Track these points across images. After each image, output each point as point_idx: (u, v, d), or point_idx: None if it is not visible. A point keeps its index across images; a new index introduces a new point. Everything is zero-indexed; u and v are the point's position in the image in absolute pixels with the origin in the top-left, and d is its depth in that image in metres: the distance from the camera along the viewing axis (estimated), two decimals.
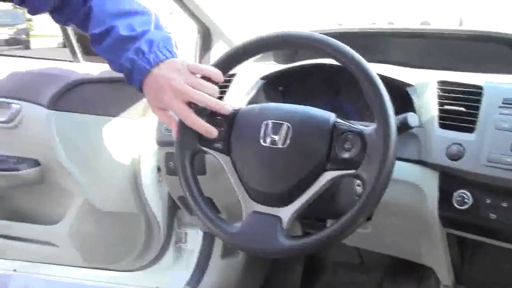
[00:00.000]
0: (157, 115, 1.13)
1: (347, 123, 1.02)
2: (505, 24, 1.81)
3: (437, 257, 1.33)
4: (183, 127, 1.09)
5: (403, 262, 1.55)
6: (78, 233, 1.96)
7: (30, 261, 2.12)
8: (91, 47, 1.11)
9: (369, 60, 1.02)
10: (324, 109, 1.06)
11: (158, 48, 1.07)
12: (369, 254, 1.74)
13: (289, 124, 1.03)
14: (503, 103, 1.16)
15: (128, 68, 1.06)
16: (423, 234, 1.27)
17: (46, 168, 1.87)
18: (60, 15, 1.11)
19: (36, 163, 1.87)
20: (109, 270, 2.08)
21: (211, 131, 1.06)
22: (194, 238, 1.98)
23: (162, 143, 1.53)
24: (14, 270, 2.19)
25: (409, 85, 1.29)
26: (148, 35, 1.07)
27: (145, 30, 1.07)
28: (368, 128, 0.99)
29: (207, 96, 1.05)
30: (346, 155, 0.99)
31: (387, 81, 1.19)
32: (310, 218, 1.36)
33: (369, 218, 1.30)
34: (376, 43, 1.84)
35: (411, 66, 1.42)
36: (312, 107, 1.08)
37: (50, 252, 2.05)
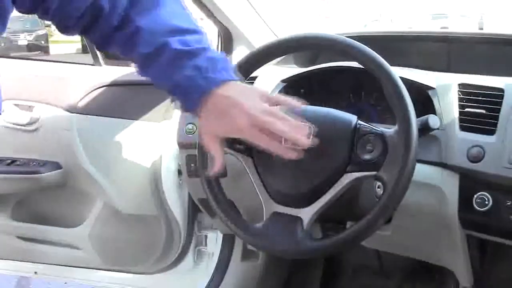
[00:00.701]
0: (206, 143, 1.01)
1: (368, 125, 1.03)
2: None
3: (456, 259, 1.33)
4: None
5: (423, 264, 1.55)
6: (99, 235, 1.99)
7: (51, 264, 2.14)
8: (138, 69, 0.99)
9: (391, 64, 1.03)
10: (346, 112, 1.08)
11: (220, 67, 0.95)
12: (388, 257, 1.75)
13: (312, 126, 1.04)
14: None
15: (184, 86, 0.94)
16: (443, 236, 1.28)
17: (67, 171, 1.89)
18: (96, 35, 0.99)
19: (57, 166, 1.89)
20: (130, 273, 2.10)
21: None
22: (214, 241, 1.99)
23: (183, 145, 1.55)
24: (35, 273, 2.22)
25: (431, 87, 1.30)
26: (208, 52, 0.95)
27: (202, 47, 0.95)
28: (389, 130, 1.00)
29: (291, 131, 0.95)
30: (367, 156, 1.00)
31: (408, 84, 1.21)
32: (330, 220, 1.37)
33: (389, 221, 1.31)
34: (397, 46, 1.85)
35: (432, 70, 1.43)
36: (334, 109, 1.09)
37: (71, 255, 2.08)
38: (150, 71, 0.97)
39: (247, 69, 1.12)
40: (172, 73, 0.94)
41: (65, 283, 2.76)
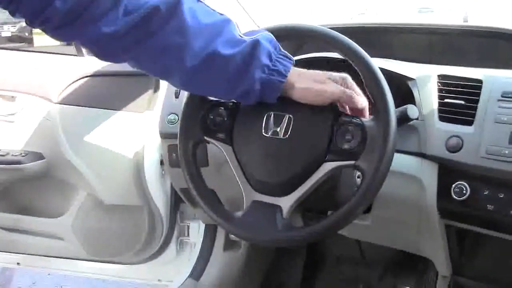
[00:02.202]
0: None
1: (348, 115, 1.04)
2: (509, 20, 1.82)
3: (435, 248, 1.35)
4: (186, 117, 1.11)
5: (404, 254, 1.57)
6: (82, 226, 1.99)
7: (34, 254, 2.14)
8: (186, 85, 1.02)
9: (374, 55, 1.03)
10: None
11: (277, 55, 1.00)
12: (370, 247, 1.76)
13: (290, 115, 1.05)
14: (502, 96, 1.17)
15: (257, 90, 0.99)
16: (422, 226, 1.29)
17: (50, 161, 1.89)
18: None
19: (40, 156, 1.89)
20: (112, 263, 2.10)
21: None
22: (196, 232, 1.99)
23: (165, 135, 1.55)
24: (18, 263, 2.22)
25: (410, 78, 1.31)
26: (256, 44, 0.97)
27: (246, 40, 0.97)
28: (368, 120, 1.01)
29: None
30: (346, 146, 1.00)
31: (389, 74, 1.22)
32: (312, 210, 1.38)
33: (368, 211, 1.32)
34: (380, 38, 1.86)
35: (414, 61, 1.44)
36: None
37: (54, 245, 2.08)
38: (204, 81, 1.00)
39: None
40: (237, 79, 0.97)
41: (49, 274, 2.76)
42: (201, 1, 0.98)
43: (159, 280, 2.09)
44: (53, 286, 2.78)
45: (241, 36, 0.98)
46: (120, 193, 1.88)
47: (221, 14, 1.00)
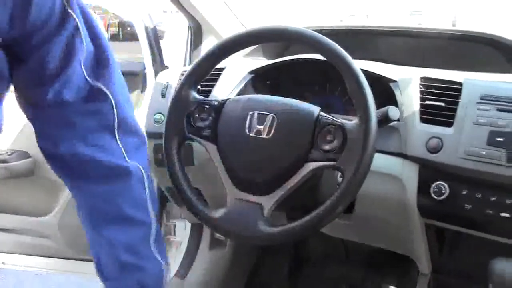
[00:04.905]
0: None
1: (330, 116, 1.06)
2: (496, 25, 1.85)
3: (416, 246, 1.37)
4: (172, 115, 1.13)
5: (387, 253, 1.60)
6: (68, 225, 1.99)
7: (20, 254, 2.14)
8: None
9: (359, 57, 1.05)
10: (312, 104, 1.11)
11: None
12: (354, 247, 1.79)
13: (274, 115, 1.07)
14: (481, 99, 1.20)
15: None
16: (403, 225, 1.31)
17: (36, 160, 1.89)
18: None
19: (27, 155, 1.90)
20: None
21: None
22: (182, 231, 2.01)
23: (151, 135, 1.56)
24: (3, 263, 2.21)
25: (393, 80, 1.33)
26: None
27: None
28: (349, 121, 1.03)
29: None
30: (327, 147, 1.02)
31: (371, 76, 1.25)
32: (295, 209, 1.40)
33: (351, 210, 1.34)
34: (367, 41, 1.88)
35: (399, 64, 1.46)
36: (296, 100, 1.12)
37: (40, 244, 2.08)
38: None
39: (215, 58, 1.15)
40: None
41: (36, 274, 2.76)
42: None
43: None
44: (39, 285, 2.78)
45: None
46: None
47: None
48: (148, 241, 1.02)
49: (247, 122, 1.08)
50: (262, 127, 1.07)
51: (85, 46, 0.90)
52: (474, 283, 1.17)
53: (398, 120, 1.24)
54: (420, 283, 1.46)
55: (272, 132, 1.06)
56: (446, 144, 1.19)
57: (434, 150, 1.19)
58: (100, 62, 0.93)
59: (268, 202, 1.05)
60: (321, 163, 1.02)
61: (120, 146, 0.97)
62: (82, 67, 0.90)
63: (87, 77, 0.91)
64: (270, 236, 1.03)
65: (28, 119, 0.96)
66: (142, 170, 1.01)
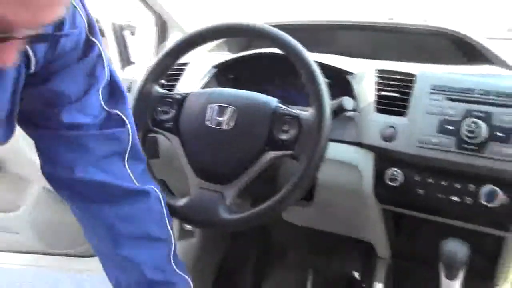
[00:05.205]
0: None
1: (286, 107, 1.11)
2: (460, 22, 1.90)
3: (375, 232, 1.42)
4: (135, 109, 1.17)
5: (350, 240, 1.65)
6: (38, 219, 2.00)
7: None
8: None
9: (320, 51, 1.09)
10: (272, 97, 1.15)
11: None
12: (318, 234, 1.84)
13: (233, 107, 1.12)
14: (433, 90, 1.25)
15: None
16: (361, 211, 1.37)
17: (4, 155, 1.90)
18: None
19: None
20: (69, 255, 2.11)
21: None
22: None
23: None
24: None
25: (350, 73, 1.38)
26: None
27: None
28: (304, 112, 1.08)
29: None
30: (284, 137, 1.08)
31: (329, 69, 1.29)
32: (257, 197, 1.45)
33: (311, 198, 1.39)
34: (328, 35, 1.93)
35: (358, 57, 1.51)
36: (255, 93, 1.17)
37: (10, 240, 2.08)
38: None
39: (177, 53, 1.19)
40: None
41: (7, 269, 2.75)
42: None
43: None
44: (9, 281, 2.77)
45: None
46: None
47: None
48: (170, 257, 1.04)
49: (208, 114, 1.13)
50: (222, 119, 1.11)
51: (106, 73, 0.92)
52: (429, 265, 1.22)
53: (354, 110, 1.29)
54: (379, 267, 1.52)
55: (232, 123, 1.10)
56: (400, 132, 1.24)
57: (389, 139, 1.25)
58: (114, 89, 0.95)
59: (229, 190, 1.10)
60: (279, 152, 1.07)
61: (129, 172, 0.99)
62: (100, 94, 0.91)
63: (103, 104, 0.92)
64: (231, 222, 1.08)
65: (36, 142, 0.95)
66: (157, 190, 1.03)
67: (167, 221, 1.05)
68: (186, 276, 1.08)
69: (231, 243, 2.09)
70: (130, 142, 0.98)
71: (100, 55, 0.90)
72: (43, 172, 0.98)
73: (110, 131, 0.95)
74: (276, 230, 2.08)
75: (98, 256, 1.06)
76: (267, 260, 2.09)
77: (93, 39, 0.87)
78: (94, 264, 2.11)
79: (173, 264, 1.05)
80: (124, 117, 0.96)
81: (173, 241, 1.06)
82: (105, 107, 0.93)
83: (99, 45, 0.89)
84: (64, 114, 0.88)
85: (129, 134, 0.97)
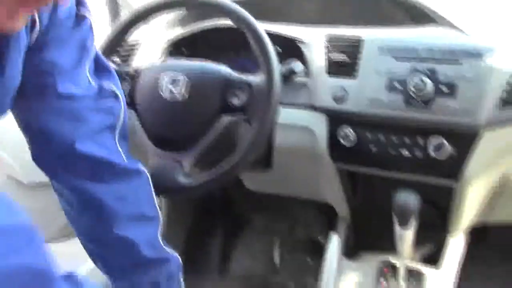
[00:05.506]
0: None
1: (237, 75, 1.15)
2: None
3: (333, 192, 1.47)
4: None
5: (312, 204, 1.70)
6: None
7: None
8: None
9: (270, 21, 1.12)
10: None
11: None
12: (281, 201, 1.88)
13: (186, 77, 1.15)
14: (380, 51, 1.30)
15: None
16: (319, 172, 1.41)
17: None
18: None
19: None
20: None
21: None
22: None
23: None
24: None
25: (301, 41, 1.42)
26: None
27: None
28: (255, 78, 1.12)
29: None
30: (237, 102, 1.12)
31: (281, 39, 1.33)
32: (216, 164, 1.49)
33: (270, 165, 1.43)
34: (277, 5, 1.95)
35: (310, 24, 1.54)
36: (206, 62, 1.20)
37: None
38: None
39: (128, 27, 1.21)
40: None
41: None
42: None
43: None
44: None
45: None
46: (39, 171, 1.91)
47: None
48: (159, 235, 1.05)
49: (162, 86, 1.15)
50: (175, 90, 1.14)
51: (94, 48, 0.92)
52: (386, 219, 1.27)
53: (306, 75, 1.34)
54: (339, 227, 1.57)
55: (186, 93, 1.14)
56: (351, 93, 1.29)
57: (340, 101, 1.29)
58: (102, 64, 0.95)
59: (187, 157, 1.13)
60: (232, 118, 1.11)
61: (120, 149, 0.98)
62: (87, 67, 0.91)
63: (93, 77, 0.92)
64: (189, 188, 1.12)
65: (28, 123, 0.93)
66: (145, 169, 1.04)
67: (155, 199, 1.06)
68: (174, 253, 1.09)
69: (197, 216, 2.12)
70: (122, 118, 0.97)
71: (91, 28, 0.90)
72: (34, 157, 0.98)
73: (105, 104, 0.94)
74: (240, 200, 2.12)
75: (83, 240, 1.05)
76: (233, 230, 2.13)
77: (84, 10, 0.87)
78: (60, 249, 2.14)
79: (162, 241, 1.06)
80: (117, 92, 0.96)
81: (161, 219, 1.07)
82: (95, 80, 0.93)
83: (89, 18, 0.89)
84: (59, 84, 0.87)
85: (121, 109, 0.97)
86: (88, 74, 0.92)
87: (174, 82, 1.15)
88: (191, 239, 2.10)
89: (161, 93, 1.15)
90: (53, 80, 0.87)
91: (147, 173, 1.04)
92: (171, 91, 1.14)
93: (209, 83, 1.14)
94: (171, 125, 1.15)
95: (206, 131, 1.12)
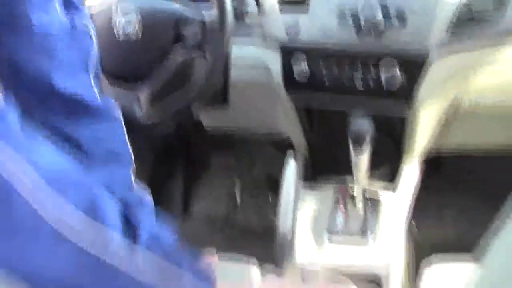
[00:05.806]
0: None
1: (190, 10, 1.16)
2: None
3: (291, 126, 1.50)
4: None
5: (270, 143, 1.72)
6: None
7: None
8: None
9: None
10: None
11: None
12: (240, 141, 1.90)
13: (139, 16, 1.15)
14: None
15: None
16: (276, 107, 1.45)
17: None
18: None
19: None
20: None
21: None
22: None
23: None
24: None
25: None
26: None
27: None
28: (209, 15, 1.14)
29: None
30: (191, 39, 1.13)
31: None
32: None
33: (225, 100, 1.45)
34: None
35: None
36: (161, 1, 1.21)
37: None
38: None
39: None
40: None
41: None
42: None
43: None
44: None
45: None
46: None
47: None
48: (132, 176, 1.00)
49: (115, 25, 1.16)
50: (128, 28, 1.15)
51: None
52: (341, 149, 1.30)
53: (259, 13, 1.35)
54: (297, 161, 1.60)
55: (139, 32, 1.14)
56: (303, 27, 1.32)
57: (293, 34, 1.32)
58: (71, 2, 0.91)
59: (143, 91, 1.15)
60: (187, 54, 1.13)
61: (94, 88, 0.93)
62: (57, 4, 0.86)
63: (61, 12, 0.86)
64: (146, 120, 1.13)
65: (5, 51, 0.87)
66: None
67: (127, 141, 1.06)
68: (147, 194, 1.10)
69: (158, 159, 2.13)
70: (95, 55, 0.93)
71: None
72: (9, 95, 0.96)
73: (79, 40, 0.90)
74: (200, 142, 2.13)
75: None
76: (194, 172, 2.15)
77: None
78: None
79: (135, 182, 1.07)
80: (89, 28, 0.94)
81: (133, 160, 1.07)
82: (67, 15, 0.88)
83: None
84: (31, 14, 0.82)
85: (94, 46, 0.93)
86: (57, 6, 0.90)
87: (126, 21, 1.15)
88: (152, 182, 2.10)
89: (115, 32, 1.15)
90: (24, 8, 0.83)
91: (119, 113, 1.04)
92: (124, 29, 1.15)
93: (164, 21, 1.15)
94: (127, 62, 1.16)
95: (160, 64, 1.14)
